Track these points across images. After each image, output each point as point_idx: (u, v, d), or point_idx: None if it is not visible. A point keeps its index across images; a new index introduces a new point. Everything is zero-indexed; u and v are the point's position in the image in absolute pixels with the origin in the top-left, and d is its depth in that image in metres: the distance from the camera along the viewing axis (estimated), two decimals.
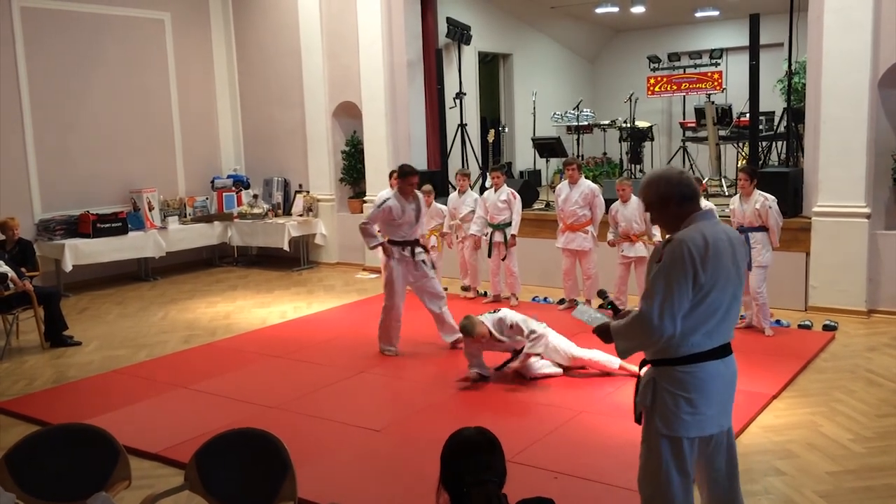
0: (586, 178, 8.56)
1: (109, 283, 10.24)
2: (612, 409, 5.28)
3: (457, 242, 8.79)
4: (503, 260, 8.26)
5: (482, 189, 10.68)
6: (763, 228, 6.82)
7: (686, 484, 2.99)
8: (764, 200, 6.77)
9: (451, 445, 2.46)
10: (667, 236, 2.99)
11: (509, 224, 8.15)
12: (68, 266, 9.32)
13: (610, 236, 7.70)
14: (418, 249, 6.73)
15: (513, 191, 8.25)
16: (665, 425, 2.94)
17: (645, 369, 3.08)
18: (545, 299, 8.53)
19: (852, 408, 5.25)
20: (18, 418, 5.54)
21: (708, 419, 2.96)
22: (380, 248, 6.78)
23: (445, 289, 8.92)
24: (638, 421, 3.09)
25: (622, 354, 3.09)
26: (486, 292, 8.76)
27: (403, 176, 6.61)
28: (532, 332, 5.83)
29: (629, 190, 7.53)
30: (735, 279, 2.94)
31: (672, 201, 2.95)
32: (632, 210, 7.49)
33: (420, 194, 6.89)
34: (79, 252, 9.47)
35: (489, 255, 8.35)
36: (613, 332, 3.03)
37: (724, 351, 2.99)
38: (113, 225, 9.87)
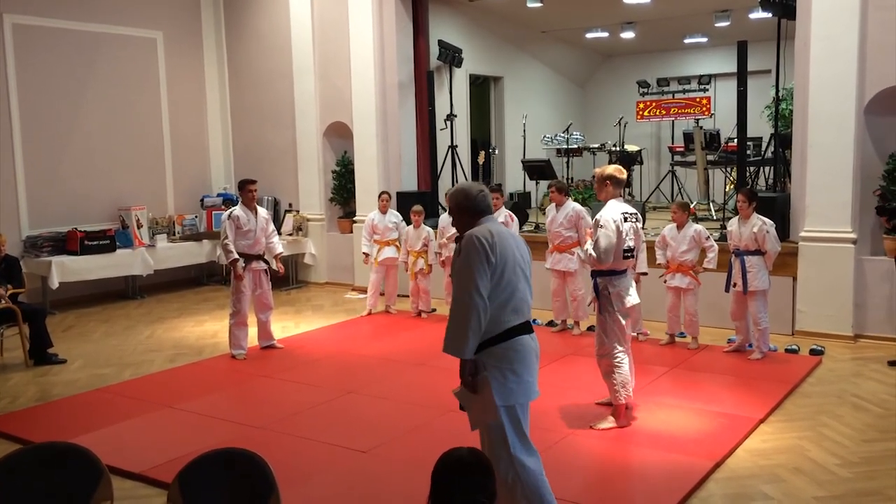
0: (575, 200, 8.58)
1: (96, 300, 10.17)
2: (601, 431, 5.27)
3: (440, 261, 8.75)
4: None
5: None
6: (759, 252, 6.86)
7: (526, 445, 3.50)
8: (762, 225, 6.80)
9: (442, 464, 2.44)
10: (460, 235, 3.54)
11: None
12: (55, 283, 9.26)
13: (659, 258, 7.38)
14: (261, 263, 7.42)
15: (510, 213, 8.27)
16: (500, 397, 3.42)
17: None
18: (535, 321, 8.49)
19: (839, 432, 5.26)
20: (0, 437, 5.48)
21: (530, 386, 3.51)
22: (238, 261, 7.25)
23: (433, 310, 8.96)
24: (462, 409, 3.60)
25: (467, 353, 3.38)
26: None
27: (241, 187, 7.37)
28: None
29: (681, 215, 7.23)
30: (522, 263, 3.53)
31: (466, 213, 3.57)
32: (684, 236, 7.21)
33: (263, 210, 7.51)
34: (66, 269, 9.41)
35: None
36: (448, 345, 3.40)
37: (529, 327, 3.57)
38: (101, 242, 9.82)
